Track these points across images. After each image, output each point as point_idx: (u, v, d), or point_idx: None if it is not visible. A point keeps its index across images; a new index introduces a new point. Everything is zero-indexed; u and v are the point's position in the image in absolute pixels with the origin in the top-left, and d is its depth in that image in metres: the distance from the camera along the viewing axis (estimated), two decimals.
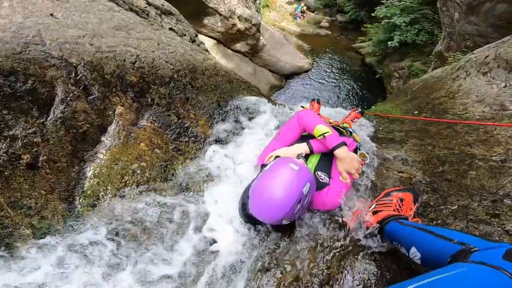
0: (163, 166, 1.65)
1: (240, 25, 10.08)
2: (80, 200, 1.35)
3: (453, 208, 1.40)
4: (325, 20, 17.22)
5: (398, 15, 9.40)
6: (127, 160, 1.56)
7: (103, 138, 1.57)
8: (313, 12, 18.75)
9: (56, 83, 1.40)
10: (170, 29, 2.50)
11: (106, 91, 1.48)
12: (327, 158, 1.37)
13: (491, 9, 4.90)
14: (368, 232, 1.31)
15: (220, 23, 9.78)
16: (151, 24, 2.17)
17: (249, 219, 1.25)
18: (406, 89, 4.28)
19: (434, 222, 1.41)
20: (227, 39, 10.54)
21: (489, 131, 1.61)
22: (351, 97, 10.85)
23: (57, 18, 1.44)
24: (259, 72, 11.75)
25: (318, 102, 2.71)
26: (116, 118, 1.60)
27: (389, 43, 9.67)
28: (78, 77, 1.43)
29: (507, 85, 1.85)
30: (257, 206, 1.13)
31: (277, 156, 1.31)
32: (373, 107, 6.18)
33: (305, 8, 17.69)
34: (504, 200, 1.26)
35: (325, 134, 1.31)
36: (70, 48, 1.37)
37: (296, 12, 17.20)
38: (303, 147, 1.37)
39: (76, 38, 1.40)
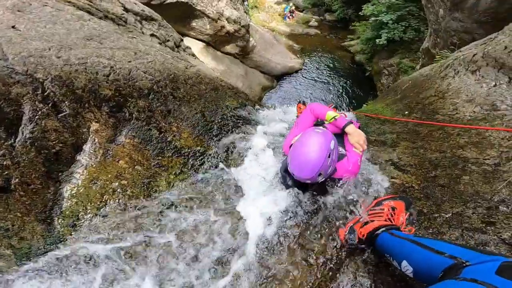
0: (145, 183, 1.56)
1: (229, 27, 10.00)
2: (59, 221, 1.29)
3: (447, 216, 1.35)
4: (314, 20, 17.27)
5: (385, 13, 9.46)
6: (106, 179, 1.47)
7: (78, 157, 1.48)
8: (301, 11, 18.79)
9: (22, 100, 1.30)
10: (152, 35, 2.41)
11: (78, 107, 1.38)
12: (339, 137, 1.59)
13: (474, 5, 4.94)
14: (359, 243, 1.27)
15: (209, 26, 9.68)
16: (130, 31, 2.07)
17: (293, 185, 1.53)
18: (396, 87, 4.26)
19: (428, 231, 1.36)
20: (216, 42, 10.45)
21: (481, 132, 1.57)
22: (343, 96, 10.87)
23: (20, 30, 1.34)
24: (250, 74, 11.68)
25: (304, 104, 3.09)
26: (91, 136, 1.51)
27: (377, 40, 9.72)
28: (46, 94, 1.32)
29: (497, 84, 1.82)
30: (297, 168, 1.35)
31: None
32: (364, 105, 6.18)
33: (293, 8, 17.70)
34: (500, 207, 1.22)
35: (336, 117, 1.59)
36: (35, 62, 1.27)
37: (285, 12, 17.20)
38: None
39: (41, 51, 1.30)
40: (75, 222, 1.30)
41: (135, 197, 1.51)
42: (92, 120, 1.49)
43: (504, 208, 1.20)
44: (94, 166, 1.46)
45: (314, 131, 1.39)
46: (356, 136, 1.53)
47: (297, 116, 2.70)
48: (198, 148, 1.74)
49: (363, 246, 1.29)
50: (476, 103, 1.88)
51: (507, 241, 1.15)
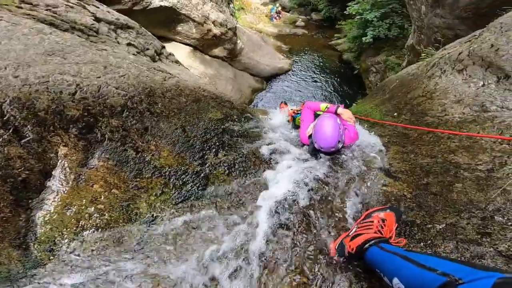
0: (124, 207, 1.46)
1: (216, 30, 9.91)
2: (35, 246, 1.22)
3: (440, 227, 1.30)
4: (300, 20, 17.32)
5: (369, 11, 9.53)
6: (80, 204, 1.37)
7: (48, 183, 1.37)
8: (288, 12, 18.83)
9: None
10: (129, 44, 2.29)
11: (42, 131, 1.26)
12: None
13: (455, 1, 4.98)
14: (349, 257, 1.23)
15: (195, 29, 9.57)
16: (103, 42, 1.95)
17: (322, 154, 2.03)
18: (383, 86, 4.25)
19: (422, 244, 1.30)
20: (204, 45, 10.35)
21: (472, 136, 1.52)
22: (333, 94, 10.90)
23: None
24: (240, 76, 11.61)
25: (286, 103, 3.97)
26: (60, 161, 1.40)
27: (363, 39, 9.79)
28: (5, 118, 1.21)
29: (485, 83, 1.78)
30: (325, 142, 1.87)
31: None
32: (353, 105, 6.16)
33: (280, 8, 17.73)
34: (495, 216, 1.16)
35: (327, 106, 2.19)
36: None
37: (272, 13, 17.20)
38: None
39: None
40: (52, 247, 1.24)
41: (114, 221, 1.42)
42: (60, 144, 1.38)
43: (500, 218, 1.14)
44: (66, 191, 1.37)
45: (324, 117, 1.97)
46: (346, 113, 2.16)
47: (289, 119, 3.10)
48: (180, 166, 1.64)
49: (352, 260, 1.25)
50: (464, 103, 1.84)
51: (504, 253, 1.09)
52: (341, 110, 2.14)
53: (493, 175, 1.28)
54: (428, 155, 1.69)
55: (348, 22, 12.06)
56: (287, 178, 1.77)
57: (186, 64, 9.61)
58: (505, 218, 1.13)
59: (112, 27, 2.13)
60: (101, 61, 1.54)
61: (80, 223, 1.34)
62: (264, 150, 2.02)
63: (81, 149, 1.44)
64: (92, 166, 1.46)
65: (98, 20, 1.97)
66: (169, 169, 1.64)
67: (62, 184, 1.38)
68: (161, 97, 1.71)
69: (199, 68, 10.16)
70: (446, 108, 1.97)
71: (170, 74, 2.02)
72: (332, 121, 1.88)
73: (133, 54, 2.16)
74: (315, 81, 11.74)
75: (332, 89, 11.16)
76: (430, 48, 4.18)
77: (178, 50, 9.69)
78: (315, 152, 2.03)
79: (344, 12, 11.64)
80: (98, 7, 2.17)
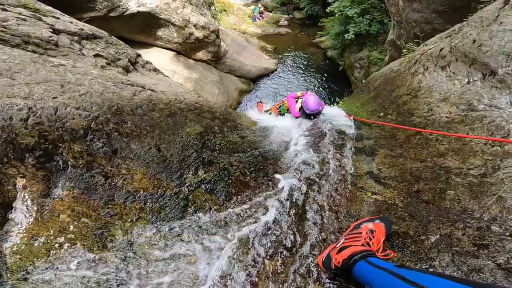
0: (97, 235, 1.33)
1: (198, 34, 9.74)
2: (8, 275, 1.15)
3: (435, 238, 1.22)
4: (283, 19, 17.31)
5: (349, 7, 9.59)
6: (48, 234, 1.27)
7: (10, 216, 1.25)
8: (271, 11, 18.79)
9: None
10: (96, 55, 2.13)
11: None
12: None
13: None
14: (336, 271, 1.17)
15: (176, 34, 9.38)
16: (64, 55, 1.78)
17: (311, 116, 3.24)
18: (368, 83, 4.22)
19: (416, 257, 1.22)
20: (187, 49, 10.16)
21: (461, 137, 1.46)
22: (320, 91, 10.91)
23: None
24: (226, 79, 11.47)
25: (261, 103, 5.68)
26: (19, 193, 1.26)
27: (345, 35, 9.85)
28: None
29: (470, 81, 1.73)
30: (312, 106, 3.13)
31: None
32: (340, 103, 6.14)
33: (262, 8, 17.66)
34: (491, 226, 1.09)
35: (302, 92, 3.60)
36: None
37: (254, 13, 17.10)
38: None
39: None
40: (25, 276, 1.17)
41: (87, 249, 1.30)
42: (16, 175, 1.23)
43: (497, 228, 1.07)
44: (30, 223, 1.26)
45: (308, 95, 3.36)
46: (311, 94, 3.47)
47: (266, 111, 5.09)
48: (156, 189, 1.51)
49: (340, 274, 1.18)
50: (451, 102, 1.79)
51: (503, 266, 1.03)
52: (309, 92, 3.54)
53: (486, 181, 1.22)
54: (417, 159, 1.62)
55: (330, 20, 12.13)
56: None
57: (170, 69, 9.41)
58: (502, 228, 1.06)
59: (76, 38, 1.96)
60: (57, 79, 1.38)
61: (51, 253, 1.25)
62: (247, 163, 1.91)
63: (41, 179, 1.31)
64: (56, 196, 1.33)
65: (57, 32, 1.80)
66: (144, 193, 1.50)
67: (25, 216, 1.26)
68: (130, 114, 1.57)
69: (184, 73, 9.97)
70: (432, 107, 1.92)
71: (142, 87, 1.87)
72: (313, 95, 3.33)
73: (101, 67, 2.00)
74: (302, 80, 11.74)
75: (319, 86, 11.18)
76: (411, 43, 4.17)
77: (160, 56, 9.47)
78: (307, 117, 3.25)
79: (326, 9, 11.69)
80: (57, 18, 1.99)
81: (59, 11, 2.64)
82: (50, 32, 1.71)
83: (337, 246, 1.25)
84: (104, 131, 1.44)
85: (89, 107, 1.42)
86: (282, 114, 3.99)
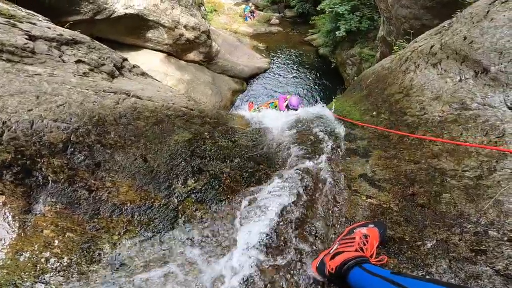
0: (84, 249, 1.29)
1: (188, 34, 9.62)
2: None
3: (431, 244, 1.19)
4: (274, 17, 17.26)
5: (339, 4, 9.60)
6: (33, 249, 1.23)
7: None
8: (261, 10, 18.71)
9: None
10: (78, 61, 2.04)
11: None
12: None
13: None
14: (330, 277, 1.14)
15: (166, 35, 9.24)
16: (42, 62, 1.69)
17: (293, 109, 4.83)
18: (360, 81, 4.20)
19: (413, 263, 1.19)
20: (178, 50, 10.04)
21: (455, 137, 1.43)
22: (313, 89, 10.92)
23: None
24: (219, 79, 11.38)
25: (252, 103, 7.43)
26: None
27: (336, 32, 9.85)
28: None
29: (462, 78, 1.70)
30: (297, 104, 4.92)
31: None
32: (333, 100, 6.13)
33: (253, 7, 17.57)
34: (489, 231, 1.06)
35: (290, 96, 5.31)
36: None
37: (245, 12, 17.01)
38: None
39: None
40: None
41: (75, 263, 1.25)
42: None
43: (494, 233, 1.04)
44: (14, 238, 1.23)
45: (292, 96, 5.29)
46: (294, 95, 5.42)
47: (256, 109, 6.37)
48: (144, 201, 1.45)
49: (334, 281, 1.15)
50: (443, 101, 1.76)
51: (501, 273, 0.99)
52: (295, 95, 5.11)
53: (482, 183, 1.19)
54: (412, 160, 1.59)
55: (321, 17, 12.12)
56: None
57: (161, 71, 9.29)
58: (500, 233, 1.03)
59: (54, 44, 1.87)
60: (32, 90, 1.30)
61: (38, 267, 1.19)
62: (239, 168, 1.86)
63: (21, 196, 1.25)
64: (37, 212, 1.27)
65: (33, 38, 1.70)
66: (131, 206, 1.44)
67: (7, 232, 1.21)
68: (113, 124, 1.50)
69: (175, 75, 9.85)
70: (425, 106, 1.89)
71: (127, 94, 1.80)
72: (296, 96, 5.06)
73: (84, 73, 1.92)
74: (295, 78, 11.72)
75: (312, 84, 11.18)
76: (401, 40, 4.16)
77: (151, 58, 9.33)
78: (289, 109, 4.73)
79: (317, 7, 11.68)
80: (34, 24, 1.90)
81: (38, 16, 2.54)
82: (26, 39, 1.63)
83: (331, 251, 1.24)
84: (85, 144, 1.37)
85: (68, 119, 1.34)
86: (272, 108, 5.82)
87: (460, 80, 1.71)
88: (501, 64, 1.48)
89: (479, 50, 1.65)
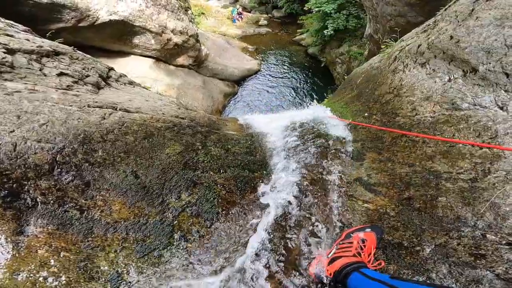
0: (81, 267, 1.26)
1: (177, 39, 9.53)
2: None
3: (430, 249, 1.18)
4: (263, 18, 17.28)
5: (326, 3, 9.68)
6: (29, 269, 1.22)
7: None
8: (250, 12, 18.72)
9: None
10: (60, 74, 1.97)
11: None
12: None
13: None
14: (327, 284, 1.14)
15: (154, 40, 9.13)
16: (22, 77, 1.62)
17: None
18: (350, 80, 4.22)
19: (413, 269, 1.18)
20: (166, 55, 9.94)
21: (448, 138, 1.43)
22: (304, 89, 10.95)
23: None
24: (209, 83, 11.30)
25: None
26: None
27: (325, 31, 9.93)
28: None
29: (451, 78, 1.71)
30: None
31: None
32: (325, 100, 6.15)
33: (241, 9, 17.56)
34: (487, 235, 1.06)
35: None
36: None
37: (233, 14, 16.97)
38: None
39: None
40: None
41: (74, 281, 1.22)
42: None
43: (492, 237, 1.04)
44: (9, 259, 1.16)
45: None
46: None
47: None
48: (138, 218, 1.40)
49: (332, 285, 1.14)
50: (434, 101, 1.77)
51: (502, 277, 0.99)
52: None
53: (477, 186, 1.18)
54: (406, 163, 1.58)
55: (308, 17, 12.19)
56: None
57: (151, 77, 9.17)
58: (498, 236, 1.03)
59: (34, 56, 1.80)
60: (12, 109, 1.24)
61: (37, 286, 1.16)
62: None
63: (11, 218, 1.22)
64: (29, 234, 1.23)
65: (11, 51, 1.63)
66: (125, 223, 1.40)
67: (2, 253, 1.18)
68: (101, 141, 1.44)
69: (165, 80, 9.74)
70: (416, 106, 1.89)
71: (113, 108, 1.74)
72: None
73: (67, 86, 1.85)
74: (286, 78, 11.74)
75: (303, 84, 11.22)
76: (388, 39, 4.20)
77: (140, 64, 9.20)
78: None
79: (304, 7, 11.74)
80: (12, 36, 1.82)
81: (18, 27, 2.44)
82: (4, 52, 1.55)
83: (329, 256, 1.25)
84: (72, 163, 1.31)
85: (52, 138, 1.29)
86: None
87: (449, 80, 1.72)
88: (490, 63, 1.49)
89: (467, 49, 1.66)
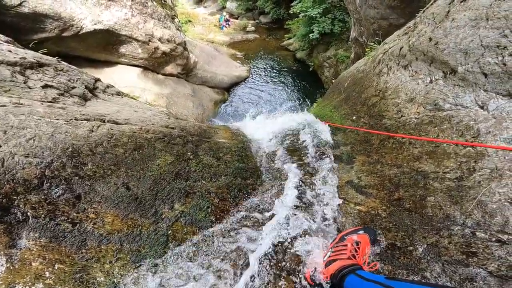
0: (77, 279, 1.23)
1: (164, 47, 9.50)
2: None
3: (422, 248, 1.21)
4: (250, 25, 17.49)
5: (311, 7, 9.89)
6: (25, 281, 1.18)
7: None
8: (237, 18, 18.90)
9: None
10: (45, 86, 1.93)
11: None
12: None
13: None
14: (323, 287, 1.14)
15: (141, 49, 9.06)
16: (6, 90, 1.58)
17: None
18: (338, 84, 4.30)
19: (407, 269, 1.20)
20: (154, 64, 9.87)
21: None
22: (294, 93, 11.07)
23: None
24: (199, 91, 11.28)
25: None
26: None
27: (311, 35, 10.11)
28: None
29: (433, 79, 1.77)
30: None
31: None
32: (314, 104, 6.24)
33: (228, 16, 17.71)
34: (477, 233, 1.09)
35: None
36: None
37: (221, 22, 17.10)
38: None
39: None
40: None
41: None
42: None
43: (482, 234, 1.07)
44: (3, 272, 1.14)
45: None
46: None
47: None
48: (131, 229, 1.38)
49: None
50: (417, 102, 1.82)
51: (495, 274, 1.02)
52: None
53: (463, 184, 1.22)
54: (394, 164, 1.62)
55: (295, 21, 12.41)
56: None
57: (139, 87, 9.08)
58: (488, 234, 1.06)
59: (18, 68, 1.75)
60: None
61: None
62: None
63: (3, 233, 1.19)
64: (22, 247, 1.20)
65: None
66: (118, 235, 1.37)
67: None
68: (90, 155, 1.41)
69: (154, 89, 9.66)
70: (401, 108, 1.95)
71: (101, 120, 1.71)
72: None
73: (53, 99, 1.81)
74: (275, 83, 11.86)
75: (293, 89, 11.35)
76: (372, 42, 4.32)
77: (128, 73, 9.10)
78: None
79: (290, 12, 11.96)
80: None
81: (0, 37, 2.39)
82: None
83: (324, 259, 1.26)
84: (61, 177, 1.28)
85: (40, 153, 1.26)
86: None
87: (431, 81, 1.78)
88: (468, 64, 1.55)
89: (445, 51, 1.72)
